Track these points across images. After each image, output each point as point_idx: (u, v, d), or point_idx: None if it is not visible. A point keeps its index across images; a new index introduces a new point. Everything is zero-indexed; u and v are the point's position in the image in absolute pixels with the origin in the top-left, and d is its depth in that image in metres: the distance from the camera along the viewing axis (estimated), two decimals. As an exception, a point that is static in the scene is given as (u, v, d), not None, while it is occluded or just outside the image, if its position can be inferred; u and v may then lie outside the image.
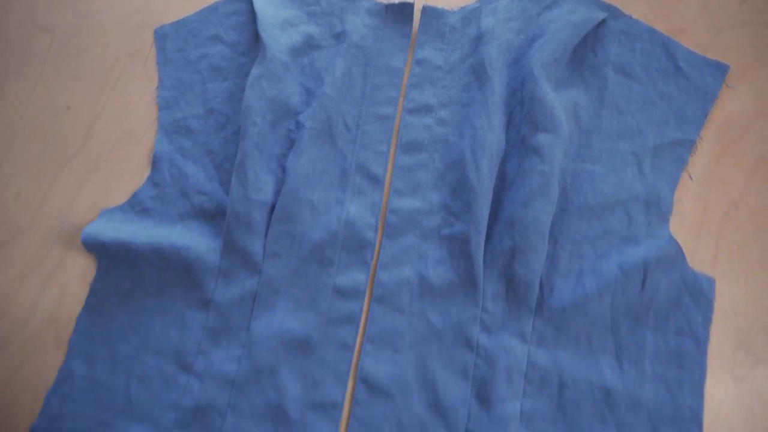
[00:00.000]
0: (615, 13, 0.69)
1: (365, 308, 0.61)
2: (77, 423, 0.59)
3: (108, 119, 0.72)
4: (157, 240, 0.62)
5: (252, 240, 0.61)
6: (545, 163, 0.59)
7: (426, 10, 0.70)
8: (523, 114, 0.62)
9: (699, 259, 0.60)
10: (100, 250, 0.63)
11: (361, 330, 0.60)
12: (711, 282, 0.59)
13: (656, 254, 0.57)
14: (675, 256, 0.58)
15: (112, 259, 0.63)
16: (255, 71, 0.65)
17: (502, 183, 0.61)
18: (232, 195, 0.61)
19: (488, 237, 0.60)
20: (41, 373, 0.62)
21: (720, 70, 0.67)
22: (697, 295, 0.58)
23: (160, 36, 0.74)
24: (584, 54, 0.67)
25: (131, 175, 0.69)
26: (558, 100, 0.62)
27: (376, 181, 0.64)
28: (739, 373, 0.57)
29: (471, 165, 0.61)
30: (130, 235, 0.62)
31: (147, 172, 0.68)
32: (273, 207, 0.62)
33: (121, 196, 0.68)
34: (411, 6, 0.69)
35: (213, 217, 0.64)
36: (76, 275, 0.65)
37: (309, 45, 0.69)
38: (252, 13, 0.71)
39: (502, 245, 0.59)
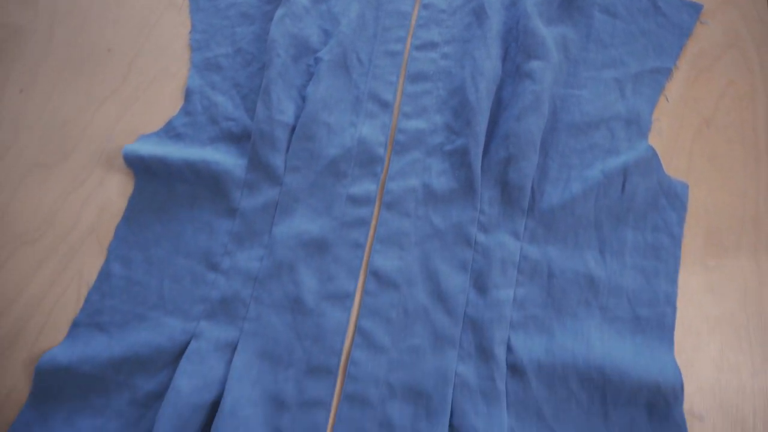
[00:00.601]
0: None
1: (375, 214, 0.68)
2: (115, 316, 0.65)
3: (145, 59, 0.80)
4: (190, 156, 0.69)
5: (274, 155, 0.68)
6: (536, 84, 0.66)
7: None
8: (517, 47, 0.70)
9: (674, 168, 0.67)
10: (138, 164, 0.71)
11: (371, 232, 0.67)
12: (685, 186, 0.66)
13: (635, 159, 0.64)
14: (652, 161, 0.65)
15: (148, 174, 0.71)
16: (279, 12, 0.73)
17: (499, 107, 0.69)
18: (258, 116, 0.69)
19: (485, 150, 0.67)
20: (83, 275, 0.69)
21: (694, 8, 0.75)
22: (672, 198, 0.65)
23: None
24: None
25: (166, 107, 0.77)
26: (549, 34, 0.70)
27: (386, 106, 0.72)
28: (709, 263, 0.63)
29: (471, 88, 0.68)
30: (166, 152, 0.70)
31: (180, 104, 0.76)
32: (293, 128, 0.70)
33: (157, 125, 0.75)
34: None
35: (239, 139, 0.72)
36: (116, 192, 0.73)
37: None
38: None
39: (498, 155, 0.66)
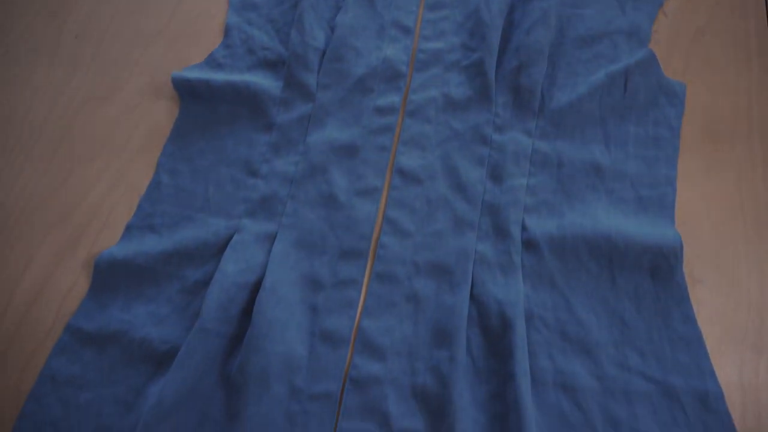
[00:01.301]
0: None
1: (399, 122, 0.74)
2: (164, 219, 0.72)
3: (188, 3, 0.88)
4: (231, 79, 0.77)
5: (307, 75, 0.76)
6: (544, 2, 0.73)
7: None
8: None
9: (672, 71, 0.74)
10: (185, 87, 0.78)
11: (395, 138, 0.74)
12: (683, 85, 0.72)
13: (636, 62, 0.71)
14: (652, 63, 0.71)
15: (193, 97, 0.78)
16: None
17: (510, 26, 0.76)
18: (292, 41, 0.76)
19: (498, 63, 0.74)
20: (135, 187, 0.76)
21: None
22: (671, 96, 0.71)
23: None
24: None
25: (207, 43, 0.84)
26: None
27: (407, 31, 0.79)
28: (706, 149, 0.69)
29: (484, 9, 0.75)
30: (209, 77, 0.78)
31: (220, 40, 0.84)
32: (324, 53, 0.77)
33: (200, 59, 0.83)
34: None
35: (275, 65, 0.79)
36: (164, 116, 0.80)
37: None
38: None
39: (510, 65, 0.73)
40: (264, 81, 0.77)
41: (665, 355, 0.59)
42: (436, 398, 0.58)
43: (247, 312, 0.64)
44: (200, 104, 0.78)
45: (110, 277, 0.68)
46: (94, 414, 0.62)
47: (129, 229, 0.72)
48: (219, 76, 0.77)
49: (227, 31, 0.83)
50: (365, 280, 0.66)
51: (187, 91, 0.79)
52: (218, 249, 0.69)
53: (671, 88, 0.72)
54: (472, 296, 0.63)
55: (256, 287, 0.65)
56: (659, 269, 0.62)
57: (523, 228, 0.66)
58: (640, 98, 0.71)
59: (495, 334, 0.61)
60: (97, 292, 0.68)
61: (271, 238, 0.68)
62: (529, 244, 0.65)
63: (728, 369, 0.59)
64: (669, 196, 0.66)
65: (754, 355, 0.59)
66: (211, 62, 0.81)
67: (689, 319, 0.60)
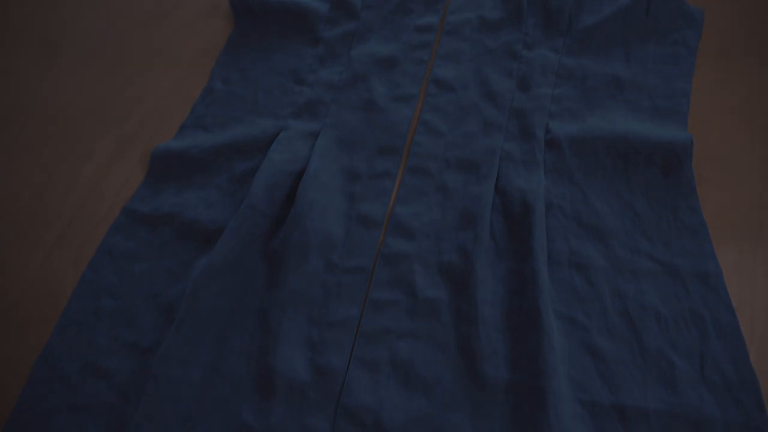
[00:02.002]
0: None
1: (437, 40, 0.81)
2: (216, 119, 0.79)
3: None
4: (284, -1, 0.84)
5: None
6: None
7: None
8: None
9: (691, 1, 0.79)
10: (241, 4, 0.85)
11: (433, 54, 0.80)
12: (701, 12, 0.78)
13: (658, -13, 0.77)
14: None
15: (247, 15, 0.85)
16: None
17: None
18: None
19: None
20: (191, 93, 0.83)
21: None
22: (690, 20, 0.77)
23: None
24: None
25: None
26: None
27: None
28: (720, 65, 0.75)
29: None
30: (264, -5, 0.85)
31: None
32: None
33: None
34: None
35: None
36: (219, 34, 0.87)
37: None
38: None
39: (541, -8, 0.79)
40: (312, 1, 0.84)
41: (672, 240, 0.65)
42: (459, 272, 0.64)
43: (290, 197, 0.70)
44: (253, 21, 0.85)
45: (165, 167, 0.75)
46: (146, 283, 0.68)
47: (183, 128, 0.79)
48: (272, -4, 0.84)
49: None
50: (399, 173, 0.72)
51: (242, 9, 0.85)
52: (266, 144, 0.75)
53: (690, 14, 0.77)
54: (496, 188, 0.69)
55: (300, 175, 0.71)
56: (670, 165, 0.68)
57: (547, 131, 0.72)
58: (661, 21, 0.77)
59: (516, 219, 0.66)
60: (152, 180, 0.75)
61: (315, 135, 0.75)
62: (551, 144, 0.71)
63: (728, 257, 0.64)
64: (683, 107, 0.72)
65: (751, 246, 0.65)
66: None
67: (695, 210, 0.66)
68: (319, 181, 0.70)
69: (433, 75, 0.78)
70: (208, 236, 0.70)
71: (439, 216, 0.68)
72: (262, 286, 0.66)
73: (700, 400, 0.57)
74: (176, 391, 0.60)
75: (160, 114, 0.81)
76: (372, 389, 0.60)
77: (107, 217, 0.74)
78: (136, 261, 0.69)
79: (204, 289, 0.64)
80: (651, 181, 0.68)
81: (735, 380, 0.57)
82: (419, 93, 0.77)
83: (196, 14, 0.89)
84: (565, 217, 0.67)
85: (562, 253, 0.65)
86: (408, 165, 0.72)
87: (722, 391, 0.57)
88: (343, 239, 0.68)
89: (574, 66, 0.76)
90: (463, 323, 0.62)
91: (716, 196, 0.67)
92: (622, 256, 0.64)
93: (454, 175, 0.71)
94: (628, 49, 0.76)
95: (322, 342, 0.62)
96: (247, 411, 0.60)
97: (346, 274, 0.66)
